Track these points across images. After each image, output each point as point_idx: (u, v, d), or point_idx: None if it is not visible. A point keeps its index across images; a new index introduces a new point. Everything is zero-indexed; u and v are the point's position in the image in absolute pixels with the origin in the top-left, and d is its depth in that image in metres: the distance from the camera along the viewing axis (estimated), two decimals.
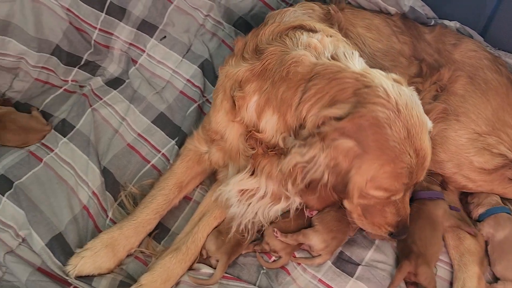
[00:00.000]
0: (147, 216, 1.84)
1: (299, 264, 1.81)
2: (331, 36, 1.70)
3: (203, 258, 1.82)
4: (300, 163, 1.45)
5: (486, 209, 1.93)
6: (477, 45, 2.14)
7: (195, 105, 2.27)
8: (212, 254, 1.77)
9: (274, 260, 1.82)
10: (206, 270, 1.79)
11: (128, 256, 1.82)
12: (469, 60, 2.07)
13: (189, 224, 1.87)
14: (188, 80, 2.34)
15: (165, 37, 2.42)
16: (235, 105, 1.65)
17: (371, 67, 1.99)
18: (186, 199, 2.01)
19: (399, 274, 1.74)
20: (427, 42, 2.15)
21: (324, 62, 1.50)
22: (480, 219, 1.95)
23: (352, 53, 1.56)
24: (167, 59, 2.39)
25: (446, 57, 2.10)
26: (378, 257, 1.83)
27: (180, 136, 2.16)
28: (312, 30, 1.70)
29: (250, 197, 1.69)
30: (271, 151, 1.60)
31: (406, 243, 1.80)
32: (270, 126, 1.57)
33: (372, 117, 1.38)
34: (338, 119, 1.40)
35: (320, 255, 1.80)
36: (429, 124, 1.50)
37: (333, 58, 1.53)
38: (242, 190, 1.69)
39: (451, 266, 1.88)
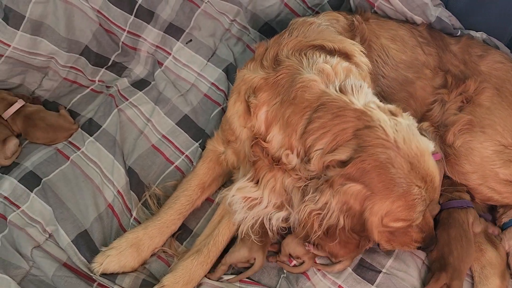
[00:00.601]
0: (171, 216, 1.87)
1: (319, 270, 1.83)
2: (347, 59, 1.76)
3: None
4: (315, 210, 1.53)
5: (510, 218, 1.92)
6: (504, 57, 2.14)
7: (219, 108, 2.30)
8: (249, 258, 1.79)
9: (295, 265, 1.83)
10: (229, 277, 1.81)
11: (151, 255, 1.85)
12: (496, 72, 2.07)
13: (209, 227, 1.90)
14: (212, 84, 2.38)
15: (191, 40, 2.46)
16: (248, 109, 1.71)
17: (393, 78, 2.07)
18: (208, 201, 2.05)
19: (435, 285, 1.75)
20: (453, 53, 2.16)
21: (331, 94, 1.56)
22: (504, 228, 1.94)
23: (360, 85, 1.60)
24: (192, 63, 2.44)
25: (472, 68, 2.10)
26: (398, 266, 1.83)
27: (203, 139, 2.19)
28: (331, 52, 1.76)
29: (252, 206, 1.72)
30: (276, 164, 1.64)
31: (443, 253, 1.81)
32: (276, 140, 1.64)
33: (373, 160, 1.46)
34: (343, 162, 1.48)
35: (340, 261, 1.81)
36: (430, 146, 1.56)
37: (340, 90, 1.58)
38: (246, 197, 1.73)
39: (471, 277, 1.87)
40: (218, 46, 2.50)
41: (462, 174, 1.93)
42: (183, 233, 1.95)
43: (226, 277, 1.79)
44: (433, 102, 2.12)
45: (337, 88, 1.58)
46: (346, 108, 1.53)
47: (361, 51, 1.88)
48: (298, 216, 1.58)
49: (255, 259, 1.78)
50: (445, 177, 1.99)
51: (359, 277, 1.80)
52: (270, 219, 1.71)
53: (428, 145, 1.56)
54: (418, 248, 1.71)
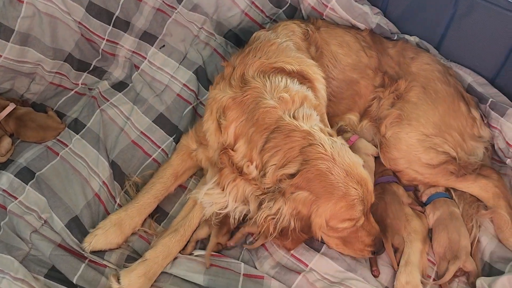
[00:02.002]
0: (148, 200, 2.19)
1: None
2: (304, 80, 2.06)
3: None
4: (270, 215, 1.82)
5: (429, 196, 2.31)
6: (432, 59, 2.50)
7: (190, 106, 2.60)
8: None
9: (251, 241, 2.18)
10: (199, 252, 2.13)
11: (133, 234, 2.17)
12: (424, 72, 2.43)
13: (184, 210, 2.22)
14: (184, 85, 2.66)
15: (164, 46, 2.75)
16: (220, 127, 1.98)
17: (341, 80, 2.44)
18: (182, 187, 2.37)
19: (387, 245, 2.10)
20: (390, 56, 2.52)
21: (285, 119, 1.85)
22: (426, 203, 2.33)
23: (310, 114, 1.90)
24: (165, 66, 2.72)
25: (405, 70, 2.46)
26: None
27: (177, 134, 2.50)
28: (290, 74, 2.04)
29: (219, 208, 2.02)
30: (239, 174, 1.91)
31: (382, 218, 2.13)
32: (240, 150, 1.92)
33: (316, 170, 1.77)
34: (292, 175, 1.78)
35: None
36: (360, 161, 1.89)
37: (293, 116, 1.87)
38: (213, 202, 2.01)
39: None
40: (188, 51, 2.78)
41: (392, 160, 2.30)
42: (161, 216, 2.27)
43: (196, 252, 2.12)
44: (373, 99, 2.48)
45: (291, 115, 1.87)
46: (295, 130, 1.82)
47: (319, 73, 2.19)
48: (256, 221, 1.86)
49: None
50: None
51: (307, 246, 2.14)
52: (234, 213, 2.04)
53: (358, 159, 1.89)
54: (372, 253, 1.99)
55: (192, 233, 2.14)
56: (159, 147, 2.49)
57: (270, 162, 1.83)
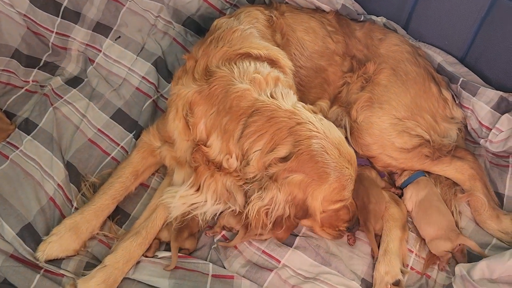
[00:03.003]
0: (105, 201, 2.04)
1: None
2: (273, 65, 1.95)
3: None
4: (263, 207, 1.71)
5: (408, 176, 2.23)
6: (400, 40, 2.41)
7: (150, 100, 2.46)
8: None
9: (228, 240, 2.06)
10: (163, 254, 2.00)
11: (92, 238, 2.02)
12: (393, 53, 2.34)
13: (147, 210, 2.08)
14: (143, 77, 2.51)
15: (119, 37, 2.59)
16: (187, 125, 1.86)
17: (309, 68, 2.32)
18: (144, 186, 2.23)
19: (369, 235, 2.03)
20: (357, 39, 2.41)
21: (264, 100, 1.74)
22: (403, 186, 2.25)
23: (288, 92, 1.81)
24: (122, 58, 2.56)
25: (373, 52, 2.37)
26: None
27: (137, 130, 2.35)
28: (258, 58, 1.92)
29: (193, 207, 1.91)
30: (218, 170, 1.80)
31: (364, 203, 2.07)
32: (215, 145, 1.80)
33: (310, 150, 1.67)
34: (283, 158, 1.67)
35: None
36: (343, 135, 1.82)
37: (271, 96, 1.76)
38: (190, 203, 1.89)
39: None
40: (146, 41, 2.62)
41: (365, 146, 2.20)
42: (122, 218, 2.13)
43: (160, 254, 1.99)
44: (342, 85, 2.39)
45: (269, 95, 1.76)
46: (278, 110, 1.72)
47: (288, 61, 2.07)
48: (247, 214, 1.74)
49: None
50: None
51: (280, 242, 2.04)
52: (205, 213, 1.92)
53: (342, 134, 1.82)
54: (347, 229, 1.94)
55: (156, 234, 2.02)
56: (118, 144, 2.34)
57: (253, 148, 1.71)
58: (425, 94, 2.26)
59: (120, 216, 2.12)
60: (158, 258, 1.98)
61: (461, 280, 1.85)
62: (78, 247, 1.97)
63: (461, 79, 2.33)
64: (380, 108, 2.19)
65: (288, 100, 1.79)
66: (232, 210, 1.96)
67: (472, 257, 2.06)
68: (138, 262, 1.96)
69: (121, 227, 2.11)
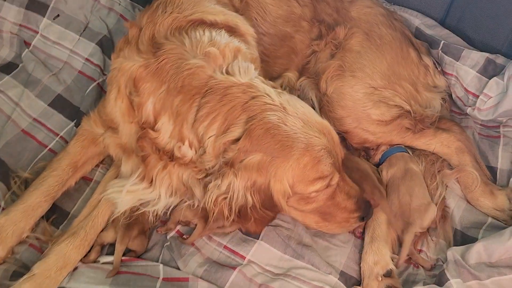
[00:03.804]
0: (37, 199, 1.73)
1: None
2: (232, 33, 1.70)
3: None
4: (221, 195, 1.49)
5: (383, 152, 1.97)
6: (373, 1, 2.16)
7: (95, 83, 2.18)
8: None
9: (184, 237, 1.77)
10: (107, 259, 1.70)
11: (21, 243, 1.71)
12: (365, 16, 2.09)
13: (88, 207, 1.78)
14: (86, 59, 2.24)
15: (58, 15, 2.29)
16: (131, 105, 1.61)
17: (274, 35, 2.04)
18: (86, 180, 1.92)
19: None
20: (326, 2, 2.15)
21: (218, 77, 1.52)
22: (380, 163, 1.99)
23: (248, 67, 1.58)
24: (63, 39, 2.27)
25: (344, 15, 2.11)
26: (283, 218, 1.81)
27: (79, 117, 2.04)
28: (213, 25, 1.68)
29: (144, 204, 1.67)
30: (170, 160, 1.56)
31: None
32: (165, 129, 1.55)
33: (264, 123, 1.45)
34: (237, 140, 1.45)
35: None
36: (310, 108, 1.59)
37: (227, 72, 1.54)
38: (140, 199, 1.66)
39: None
40: (89, 19, 2.34)
41: (338, 120, 1.93)
42: (59, 217, 1.81)
43: (102, 259, 1.68)
44: (310, 54, 2.12)
45: (224, 71, 1.54)
46: (233, 86, 1.50)
47: (249, 27, 1.82)
48: (206, 206, 1.53)
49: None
50: None
51: (244, 235, 1.75)
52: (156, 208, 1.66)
53: (309, 107, 1.58)
54: (361, 219, 1.66)
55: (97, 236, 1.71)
56: (57, 134, 2.03)
57: (208, 133, 1.49)
58: (403, 60, 2.01)
59: (56, 215, 1.80)
60: (101, 263, 1.67)
61: (455, 266, 1.58)
62: (3, 254, 1.65)
63: (442, 42, 2.11)
64: (353, 77, 1.92)
65: (247, 75, 1.55)
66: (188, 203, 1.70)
67: (466, 239, 1.80)
68: (75, 269, 1.64)
69: (58, 228, 1.79)
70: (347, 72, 1.93)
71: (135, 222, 1.69)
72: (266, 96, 1.49)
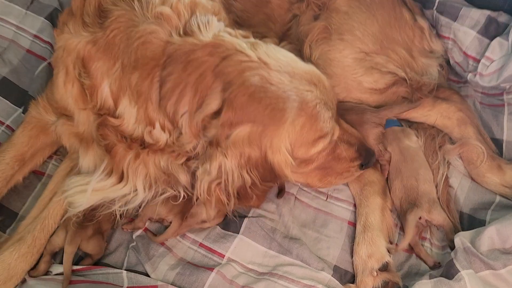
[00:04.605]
0: None
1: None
2: None
3: None
4: (213, 181, 1.30)
5: None
6: None
7: (45, 63, 1.92)
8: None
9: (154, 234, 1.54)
10: (60, 269, 1.44)
11: None
12: None
13: (37, 207, 1.54)
14: (35, 36, 1.97)
15: None
16: (83, 89, 1.39)
17: (247, 0, 1.78)
18: (37, 174, 1.68)
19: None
20: None
21: (175, 41, 1.28)
22: None
23: (208, 21, 1.34)
24: (7, 14, 2.00)
25: None
26: (267, 207, 1.59)
27: (27, 103, 1.74)
28: None
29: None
30: (142, 148, 1.35)
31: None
32: (129, 114, 1.33)
33: (246, 87, 1.23)
34: (217, 113, 1.24)
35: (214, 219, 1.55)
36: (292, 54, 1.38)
37: (185, 33, 1.31)
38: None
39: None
40: None
41: None
42: (6, 219, 1.58)
43: (55, 270, 1.44)
44: (291, 19, 1.87)
45: (181, 32, 1.31)
46: (195, 48, 1.26)
47: None
48: (199, 196, 1.34)
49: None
50: None
51: (222, 230, 1.53)
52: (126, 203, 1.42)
53: (292, 54, 1.37)
54: (361, 167, 1.51)
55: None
56: (3, 123, 1.77)
57: (179, 110, 1.27)
58: (397, 22, 1.78)
59: (3, 217, 1.57)
60: (53, 274, 1.43)
61: (465, 254, 1.38)
62: None
63: (437, 0, 1.86)
64: (341, 40, 1.69)
65: (210, 30, 1.31)
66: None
67: (473, 222, 1.60)
68: (22, 281, 1.40)
69: (5, 232, 1.56)
70: (334, 35, 1.69)
71: (90, 219, 1.44)
72: (240, 53, 1.26)
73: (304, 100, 1.26)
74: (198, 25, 1.31)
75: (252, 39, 1.35)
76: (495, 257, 1.34)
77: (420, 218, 1.55)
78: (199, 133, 1.28)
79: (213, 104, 1.24)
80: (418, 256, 1.54)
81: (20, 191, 1.62)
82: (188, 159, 1.37)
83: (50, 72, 1.90)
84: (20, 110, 1.80)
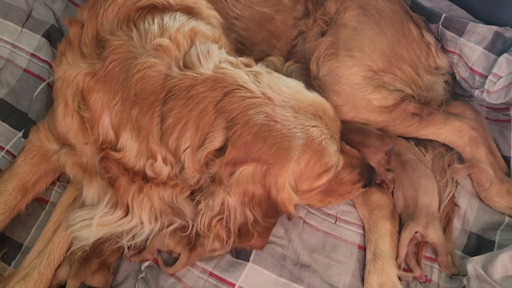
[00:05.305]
0: None
1: None
2: (190, 15, 1.44)
3: None
4: (214, 216, 1.29)
5: None
6: None
7: (44, 84, 1.86)
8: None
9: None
10: None
11: None
12: None
13: (41, 239, 1.51)
14: (32, 55, 1.92)
15: None
16: (83, 122, 1.37)
17: (249, 18, 1.77)
18: (40, 201, 1.64)
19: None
20: None
21: (175, 75, 1.26)
22: None
23: (208, 50, 1.32)
24: (2, 31, 1.94)
25: None
26: (276, 232, 1.57)
27: (27, 125, 1.74)
28: (166, 9, 1.43)
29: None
30: (145, 182, 1.33)
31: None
32: (130, 147, 1.32)
33: (251, 126, 1.22)
34: (220, 150, 1.23)
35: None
36: (299, 83, 1.37)
37: (185, 65, 1.29)
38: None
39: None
40: (33, 6, 2.02)
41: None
42: (11, 250, 1.54)
43: None
44: (296, 36, 1.85)
45: (181, 65, 1.28)
46: (195, 83, 1.24)
47: (206, 4, 1.55)
48: (199, 230, 1.33)
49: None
50: None
51: (232, 258, 1.51)
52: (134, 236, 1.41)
53: (296, 82, 1.36)
54: (364, 186, 1.52)
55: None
56: (3, 148, 1.72)
57: (181, 146, 1.26)
58: (405, 38, 1.75)
59: (7, 249, 1.54)
60: None
61: (478, 281, 1.37)
62: None
63: (444, 15, 1.84)
64: (350, 57, 1.65)
65: (210, 61, 1.29)
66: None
67: (482, 243, 1.59)
68: None
69: (10, 265, 1.52)
70: (342, 51, 1.66)
71: (95, 254, 1.41)
72: (242, 87, 1.24)
73: (310, 137, 1.25)
74: (198, 56, 1.29)
75: (254, 68, 1.32)
76: (509, 285, 1.34)
77: (416, 232, 1.55)
78: (202, 168, 1.27)
79: (216, 142, 1.23)
80: (407, 264, 1.55)
81: (24, 221, 1.59)
82: (192, 192, 1.35)
83: (49, 93, 1.85)
84: (20, 134, 1.75)
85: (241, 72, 1.27)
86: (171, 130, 1.24)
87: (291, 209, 1.32)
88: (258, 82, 1.26)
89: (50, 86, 1.86)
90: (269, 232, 1.44)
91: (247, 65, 1.33)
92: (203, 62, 1.28)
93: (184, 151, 1.26)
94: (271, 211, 1.31)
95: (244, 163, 1.22)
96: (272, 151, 1.22)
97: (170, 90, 1.25)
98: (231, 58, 1.33)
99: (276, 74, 1.34)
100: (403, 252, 1.53)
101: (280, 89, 1.27)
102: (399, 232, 1.58)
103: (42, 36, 1.93)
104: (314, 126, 1.27)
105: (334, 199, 1.51)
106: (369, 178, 1.50)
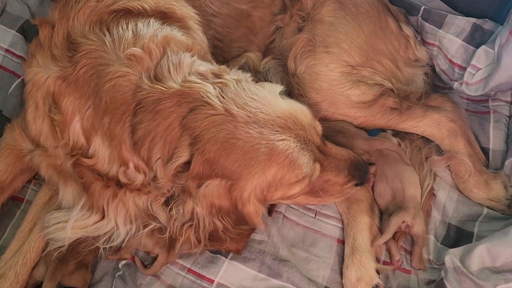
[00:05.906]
0: None
1: None
2: (166, 19, 1.43)
3: None
4: (186, 222, 1.32)
5: None
6: None
7: (19, 80, 1.84)
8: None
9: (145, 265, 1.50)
10: None
11: None
12: None
13: (17, 239, 1.49)
14: (7, 50, 1.89)
15: None
16: (54, 125, 1.36)
17: (227, 15, 1.75)
18: (16, 200, 1.62)
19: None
20: None
21: (145, 87, 1.25)
22: None
23: (179, 61, 1.30)
24: None
25: None
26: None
27: (2, 123, 1.70)
28: (141, 14, 1.41)
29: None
30: (119, 188, 1.33)
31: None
32: (102, 153, 1.32)
33: (213, 144, 1.22)
34: (187, 164, 1.25)
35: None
36: (275, 88, 1.35)
37: (155, 77, 1.28)
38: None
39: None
40: (7, 1, 2.01)
41: (311, 106, 1.62)
42: None
43: None
44: (274, 31, 1.83)
45: (152, 76, 1.27)
46: (162, 98, 1.24)
47: (189, 9, 1.54)
48: (172, 234, 1.36)
49: None
50: None
51: (211, 254, 1.50)
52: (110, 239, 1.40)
53: (269, 87, 1.34)
54: (357, 185, 1.48)
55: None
56: None
57: (153, 156, 1.27)
58: (382, 32, 1.74)
59: None
60: None
61: (455, 273, 1.38)
62: None
63: (423, 7, 1.85)
64: (327, 53, 1.65)
65: (180, 72, 1.28)
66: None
67: (461, 235, 1.60)
68: None
69: None
70: (319, 47, 1.65)
71: (72, 254, 1.39)
72: (206, 105, 1.23)
73: (275, 151, 1.23)
74: (169, 68, 1.27)
75: (223, 79, 1.28)
76: (485, 276, 1.34)
77: (403, 221, 1.55)
78: (173, 178, 1.28)
79: (182, 157, 1.24)
80: (388, 249, 1.57)
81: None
82: (167, 200, 1.35)
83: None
84: None
85: (208, 85, 1.25)
86: (142, 142, 1.25)
87: (258, 221, 1.33)
88: (223, 97, 1.24)
89: (25, 83, 1.82)
90: (245, 237, 1.46)
91: (217, 75, 1.30)
92: (173, 74, 1.26)
93: (156, 161, 1.27)
94: (241, 220, 1.33)
95: (209, 178, 1.24)
96: (234, 167, 1.23)
97: (140, 101, 1.24)
98: (202, 69, 1.30)
99: (244, 84, 1.29)
100: (388, 236, 1.53)
101: (246, 103, 1.25)
102: (379, 227, 1.59)
103: (16, 31, 1.90)
104: (281, 140, 1.25)
105: (324, 199, 1.47)
106: (361, 176, 1.47)
